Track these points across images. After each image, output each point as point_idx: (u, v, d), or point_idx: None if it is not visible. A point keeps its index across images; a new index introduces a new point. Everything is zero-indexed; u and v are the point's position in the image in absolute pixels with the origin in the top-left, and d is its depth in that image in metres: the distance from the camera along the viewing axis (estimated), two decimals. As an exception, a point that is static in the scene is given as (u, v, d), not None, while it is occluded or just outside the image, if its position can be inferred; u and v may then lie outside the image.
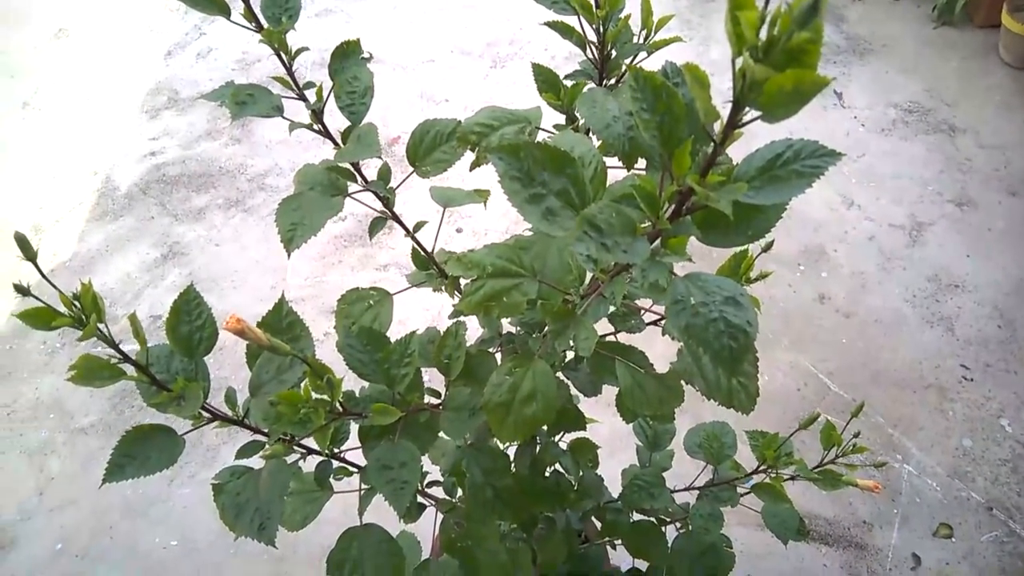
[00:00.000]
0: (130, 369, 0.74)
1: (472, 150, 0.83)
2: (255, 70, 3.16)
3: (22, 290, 0.64)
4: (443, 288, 1.02)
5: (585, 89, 0.81)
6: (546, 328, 0.92)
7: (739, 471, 1.18)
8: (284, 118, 0.87)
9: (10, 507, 1.98)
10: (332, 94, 0.88)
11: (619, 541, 1.41)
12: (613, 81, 0.86)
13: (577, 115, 0.77)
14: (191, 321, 0.80)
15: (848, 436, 1.11)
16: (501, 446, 0.98)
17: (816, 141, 0.51)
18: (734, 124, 0.43)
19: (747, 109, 0.42)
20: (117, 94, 3.18)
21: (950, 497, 1.88)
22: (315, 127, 0.88)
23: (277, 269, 2.44)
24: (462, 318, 1.02)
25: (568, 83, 0.85)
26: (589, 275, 0.73)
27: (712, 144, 0.45)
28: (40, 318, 0.64)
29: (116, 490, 1.99)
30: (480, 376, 0.93)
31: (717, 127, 0.45)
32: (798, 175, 0.50)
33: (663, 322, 0.89)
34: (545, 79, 0.85)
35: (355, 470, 1.01)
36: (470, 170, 0.84)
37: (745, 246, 0.75)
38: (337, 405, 0.74)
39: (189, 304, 0.80)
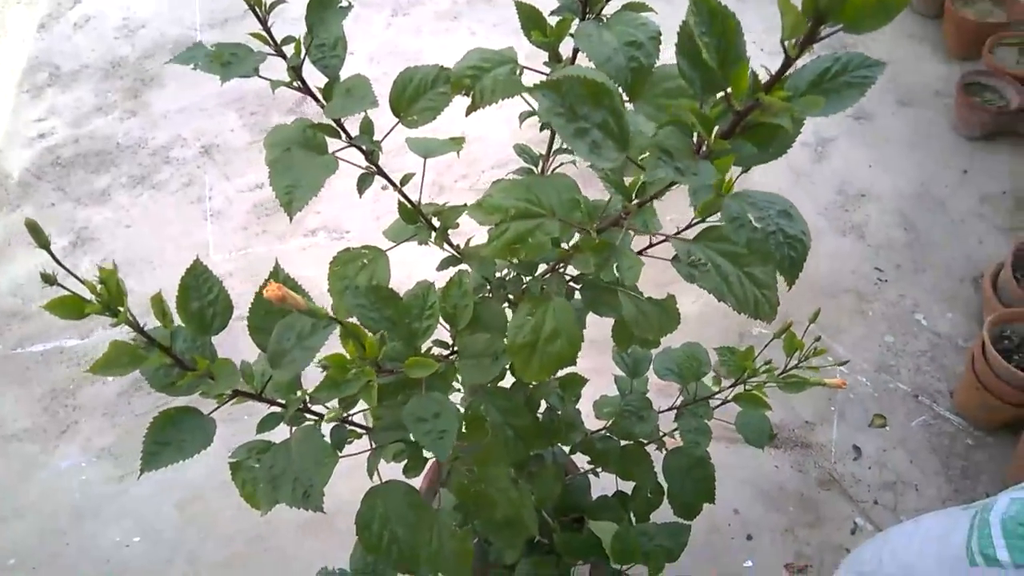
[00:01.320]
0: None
1: (466, 94, 0.83)
2: (140, 37, 2.96)
3: (49, 279, 0.60)
4: (430, 241, 1.02)
5: (574, 24, 0.81)
6: (544, 269, 0.94)
7: (713, 388, 1.25)
8: (261, 77, 0.83)
9: (-53, 527, 1.86)
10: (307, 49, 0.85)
11: (600, 470, 1.47)
12: (594, 16, 0.86)
13: (578, 49, 0.77)
14: (202, 297, 0.77)
15: (809, 341, 1.18)
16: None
17: (861, 53, 0.54)
18: (812, 39, 0.45)
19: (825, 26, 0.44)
20: (-12, 75, 2.93)
21: (880, 390, 2.03)
22: (295, 84, 0.84)
23: (198, 245, 2.34)
24: (452, 268, 1.03)
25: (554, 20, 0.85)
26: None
27: (785, 58, 0.48)
28: (70, 308, 0.61)
29: (62, 494, 1.90)
30: (487, 323, 0.94)
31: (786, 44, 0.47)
32: (849, 86, 0.53)
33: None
34: (529, 16, 0.85)
35: (364, 432, 1.01)
36: (466, 115, 0.83)
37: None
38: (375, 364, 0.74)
39: (198, 280, 0.77)
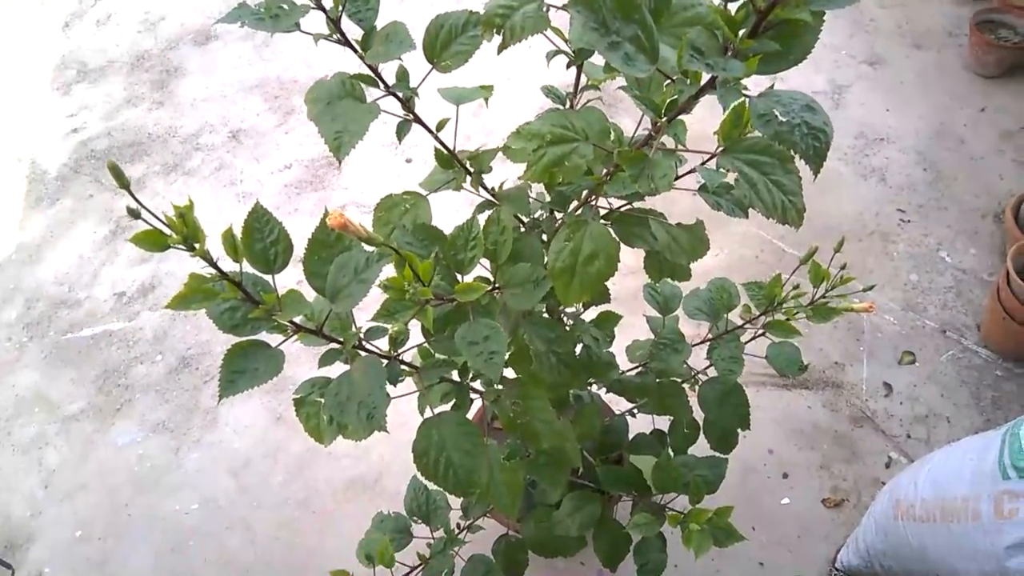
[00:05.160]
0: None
1: (497, 33, 0.87)
2: (161, 29, 3.03)
3: (134, 213, 0.65)
4: (465, 186, 1.07)
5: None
6: (575, 205, 0.99)
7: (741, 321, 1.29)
8: (303, 32, 0.88)
9: (18, 505, 1.95)
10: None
11: (637, 412, 1.52)
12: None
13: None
14: (264, 238, 0.82)
15: (835, 270, 1.22)
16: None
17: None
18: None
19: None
20: (22, 75, 3.01)
21: (907, 328, 2.06)
22: (334, 37, 0.89)
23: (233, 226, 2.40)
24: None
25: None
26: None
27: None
28: (153, 241, 0.66)
29: (122, 469, 1.98)
30: (526, 256, 0.99)
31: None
32: (860, -20, 0.57)
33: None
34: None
35: (413, 370, 1.07)
36: (498, 53, 0.87)
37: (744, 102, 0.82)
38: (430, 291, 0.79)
39: (260, 221, 0.82)
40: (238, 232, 0.80)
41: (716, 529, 1.16)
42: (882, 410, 1.92)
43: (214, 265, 0.74)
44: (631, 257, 1.87)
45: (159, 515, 1.90)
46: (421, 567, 1.28)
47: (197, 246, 0.69)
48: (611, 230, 1.00)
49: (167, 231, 0.70)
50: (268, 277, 0.84)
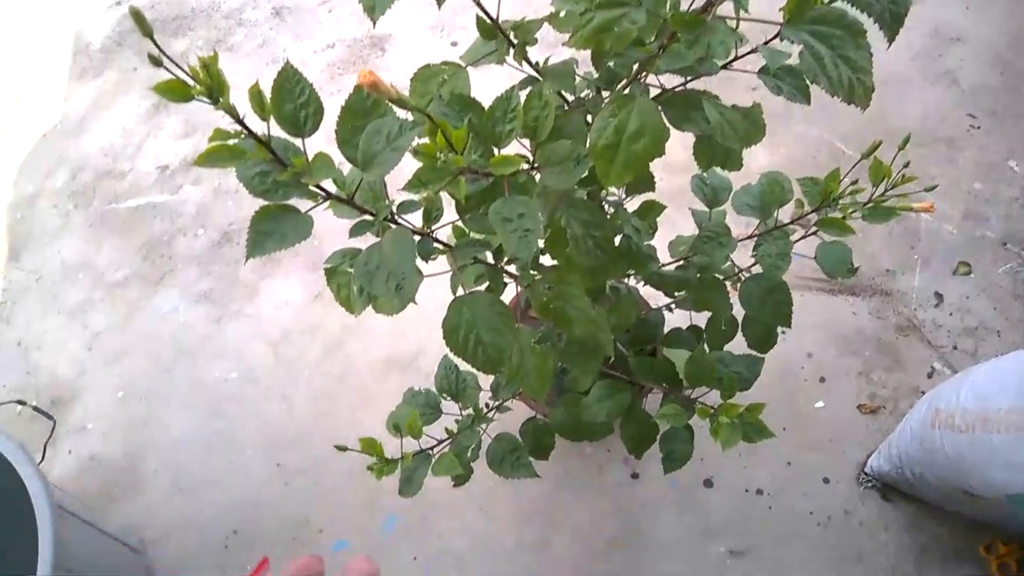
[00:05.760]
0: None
1: None
2: None
3: (155, 61, 0.62)
4: (508, 59, 1.01)
5: None
6: (623, 83, 0.93)
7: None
8: None
9: (64, 365, 2.03)
10: None
11: (674, 307, 1.49)
12: None
13: None
14: (295, 99, 0.79)
15: (897, 168, 1.15)
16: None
17: None
18: None
19: None
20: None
21: (966, 237, 1.97)
22: None
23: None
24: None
25: None
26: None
27: None
28: (176, 91, 0.64)
29: (164, 335, 2.03)
30: (568, 135, 0.94)
31: None
32: None
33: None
34: None
35: (448, 249, 1.04)
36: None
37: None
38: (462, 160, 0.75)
39: (290, 82, 0.79)
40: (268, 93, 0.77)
41: (746, 424, 1.15)
42: (930, 320, 1.87)
43: (240, 121, 0.71)
44: (681, 153, 1.81)
45: (200, 381, 1.96)
46: (449, 441, 1.30)
47: (221, 99, 0.66)
48: (660, 111, 0.94)
49: (190, 82, 0.67)
50: (298, 141, 0.82)
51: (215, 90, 0.66)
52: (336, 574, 0.46)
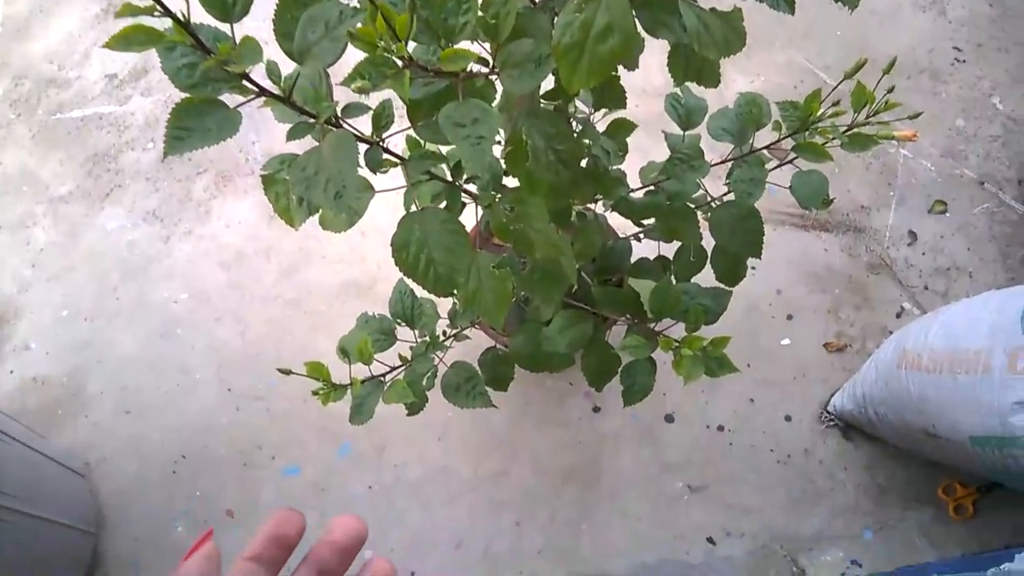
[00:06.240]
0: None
1: None
2: None
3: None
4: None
5: None
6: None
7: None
8: None
9: (5, 282, 1.92)
10: None
11: (642, 236, 1.43)
12: None
13: None
14: (220, -25, 0.69)
15: (880, 94, 1.09)
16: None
17: None
18: None
19: None
20: None
21: (944, 175, 1.92)
22: None
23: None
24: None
25: None
26: None
27: None
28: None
29: (110, 254, 1.93)
30: (532, 34, 0.86)
31: None
32: None
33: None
34: None
35: (399, 161, 0.97)
36: None
37: None
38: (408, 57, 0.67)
39: (216, -45, 0.69)
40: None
41: (709, 358, 1.11)
42: (903, 259, 1.83)
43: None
44: (658, 76, 1.76)
45: (148, 301, 1.87)
46: (403, 367, 1.24)
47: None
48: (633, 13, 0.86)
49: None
50: (228, 28, 0.73)
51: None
52: (356, 573, 0.40)
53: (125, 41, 0.66)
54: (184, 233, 1.94)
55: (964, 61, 2.07)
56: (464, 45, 0.76)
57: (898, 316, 1.77)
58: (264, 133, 2.05)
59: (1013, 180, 1.90)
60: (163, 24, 0.69)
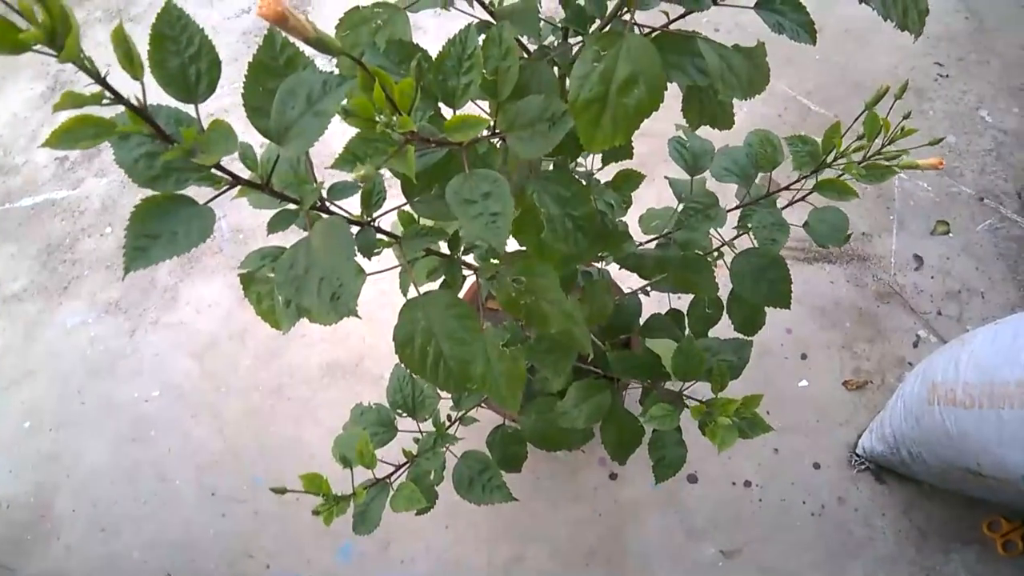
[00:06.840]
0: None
1: None
2: None
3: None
4: (455, 5, 0.82)
5: None
6: (599, 25, 0.75)
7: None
8: None
9: (-43, 393, 1.77)
10: None
11: (650, 290, 1.33)
12: None
13: None
14: (181, 51, 0.59)
15: (895, 120, 1.02)
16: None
17: None
18: None
19: None
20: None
21: (942, 195, 1.86)
22: None
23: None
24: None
25: None
26: None
27: None
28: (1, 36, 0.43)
29: (72, 353, 1.79)
30: (536, 89, 0.76)
31: None
32: None
33: None
34: None
35: (394, 240, 0.86)
36: None
37: None
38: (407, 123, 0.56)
39: (173, 28, 0.58)
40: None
41: (741, 420, 1.01)
42: (911, 285, 1.75)
43: (100, 79, 0.51)
44: None
45: (116, 403, 1.72)
46: (408, 465, 1.11)
47: (66, 45, 0.46)
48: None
49: (21, 23, 0.47)
50: (191, 109, 0.62)
51: (57, 33, 0.46)
52: None
53: (69, 136, 0.54)
54: (150, 323, 1.81)
55: (947, 76, 2.02)
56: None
57: (915, 346, 1.69)
58: (231, 208, 1.93)
59: (1012, 193, 1.84)
60: (113, 111, 0.57)
